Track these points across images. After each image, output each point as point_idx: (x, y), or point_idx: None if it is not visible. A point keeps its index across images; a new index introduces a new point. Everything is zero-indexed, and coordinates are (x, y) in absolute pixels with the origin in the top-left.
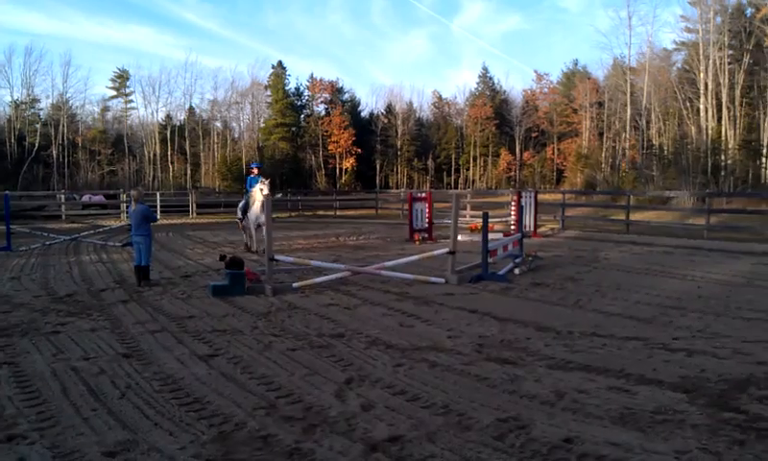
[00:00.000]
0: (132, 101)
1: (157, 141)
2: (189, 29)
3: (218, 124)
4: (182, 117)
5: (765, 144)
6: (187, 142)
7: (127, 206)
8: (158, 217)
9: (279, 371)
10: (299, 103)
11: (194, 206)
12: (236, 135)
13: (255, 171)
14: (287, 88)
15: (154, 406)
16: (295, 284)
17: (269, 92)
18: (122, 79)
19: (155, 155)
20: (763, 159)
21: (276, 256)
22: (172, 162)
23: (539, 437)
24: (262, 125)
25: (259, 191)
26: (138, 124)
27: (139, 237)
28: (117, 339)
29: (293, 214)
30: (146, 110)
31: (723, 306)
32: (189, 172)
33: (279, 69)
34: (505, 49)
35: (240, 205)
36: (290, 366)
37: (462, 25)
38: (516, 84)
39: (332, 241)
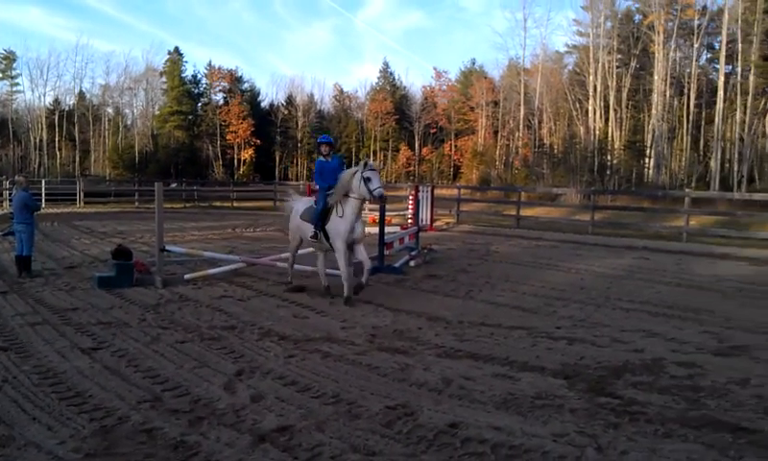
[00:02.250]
0: (18, 84)
1: (44, 127)
2: (81, 10)
3: (110, 110)
4: (72, 102)
5: (649, 145)
6: (76, 128)
7: (10, 194)
8: (42, 205)
9: (167, 364)
10: (196, 91)
11: (82, 194)
12: (129, 122)
13: (325, 149)
14: (184, 76)
15: (32, 400)
16: (187, 276)
17: (164, 79)
18: (8, 60)
19: (41, 140)
20: (646, 160)
21: (168, 247)
22: (60, 149)
23: (425, 423)
24: (157, 112)
25: (361, 185)
26: (24, 108)
27: (20, 226)
28: None
29: (188, 205)
30: (33, 94)
31: (603, 298)
32: (78, 159)
33: (176, 55)
34: (406, 45)
35: (301, 206)
36: (178, 358)
37: (364, 19)
38: (416, 80)
39: (228, 233)
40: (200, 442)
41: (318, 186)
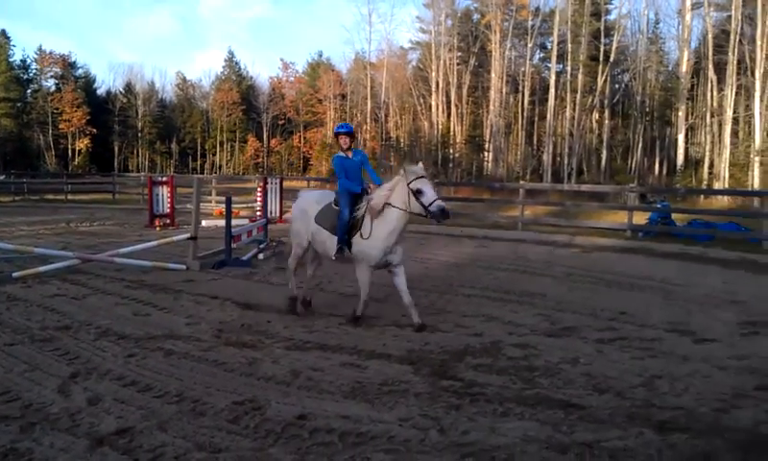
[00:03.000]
0: None
1: None
2: None
3: None
4: None
5: (487, 139)
6: None
7: None
8: None
9: None
10: (25, 77)
11: None
12: None
13: (345, 140)
14: (11, 60)
15: None
16: (15, 274)
17: None
18: None
19: None
20: (486, 153)
21: None
22: None
23: (273, 416)
24: None
25: (411, 200)
26: None
27: None
28: None
29: (17, 198)
30: None
31: (447, 285)
32: None
33: (3, 39)
34: (252, 35)
35: (313, 203)
36: (7, 362)
37: (208, 6)
38: (262, 71)
39: (62, 227)
40: (32, 448)
41: (340, 187)
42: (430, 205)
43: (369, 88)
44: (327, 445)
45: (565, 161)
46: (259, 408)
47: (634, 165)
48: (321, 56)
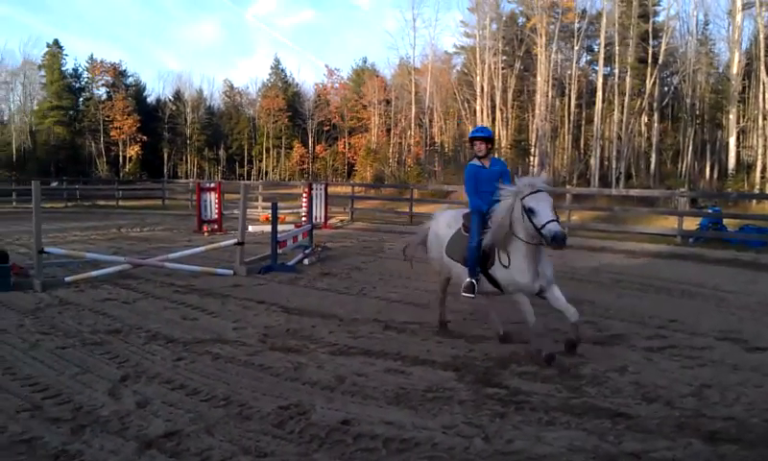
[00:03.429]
0: None
1: None
2: None
3: None
4: None
5: (533, 144)
6: None
7: None
8: None
9: (47, 370)
10: (77, 85)
11: None
12: (5, 118)
13: (481, 147)
14: (64, 69)
15: None
16: (68, 278)
17: (43, 73)
18: None
19: None
20: (531, 158)
21: (47, 249)
22: None
23: (318, 421)
24: (36, 108)
25: (524, 219)
26: None
27: None
28: None
29: (69, 204)
30: None
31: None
32: None
33: (56, 48)
34: (298, 42)
35: (444, 227)
36: (59, 365)
37: (255, 14)
38: (308, 77)
39: (113, 233)
40: (82, 451)
41: (470, 206)
42: (542, 227)
43: (413, 94)
44: (371, 451)
45: (613, 165)
46: (304, 413)
47: (684, 169)
48: (365, 62)
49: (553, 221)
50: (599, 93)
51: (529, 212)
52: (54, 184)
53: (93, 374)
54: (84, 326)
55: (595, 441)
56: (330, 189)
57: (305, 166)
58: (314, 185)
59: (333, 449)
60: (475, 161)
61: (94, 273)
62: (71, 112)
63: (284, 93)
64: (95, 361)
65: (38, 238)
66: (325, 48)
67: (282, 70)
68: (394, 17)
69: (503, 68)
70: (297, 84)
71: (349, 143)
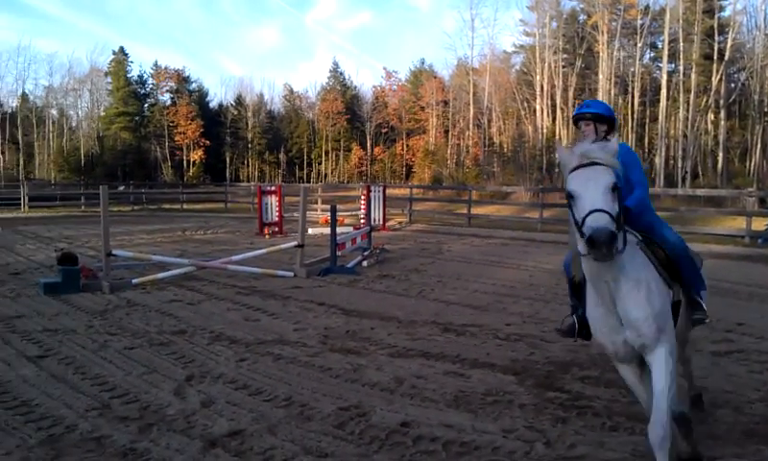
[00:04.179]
0: None
1: None
2: (22, 9)
3: (54, 112)
4: (15, 104)
5: None
6: (20, 131)
7: None
8: None
9: (115, 370)
10: (142, 91)
11: (26, 198)
12: (74, 124)
13: (589, 129)
14: (129, 76)
15: None
16: (135, 280)
17: (109, 79)
18: None
19: None
20: None
21: (115, 252)
22: (3, 152)
23: (377, 423)
24: (103, 114)
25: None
26: None
27: None
28: None
29: (136, 208)
30: None
31: (552, 294)
32: (22, 163)
33: (121, 55)
34: (356, 45)
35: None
36: (127, 365)
37: (314, 18)
38: (366, 80)
39: (178, 236)
40: (149, 449)
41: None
42: (582, 223)
43: (471, 94)
44: (431, 454)
45: (679, 165)
46: (364, 414)
47: (752, 168)
48: (423, 63)
49: (596, 212)
50: (663, 91)
51: (570, 200)
52: (121, 188)
53: (159, 373)
54: (150, 326)
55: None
56: (388, 191)
57: (364, 168)
58: (372, 188)
59: (393, 451)
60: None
61: (160, 275)
62: (137, 118)
63: (343, 96)
64: (161, 361)
65: (107, 241)
66: (383, 50)
67: (341, 73)
68: (452, 18)
69: (564, 66)
70: (355, 87)
71: (407, 145)
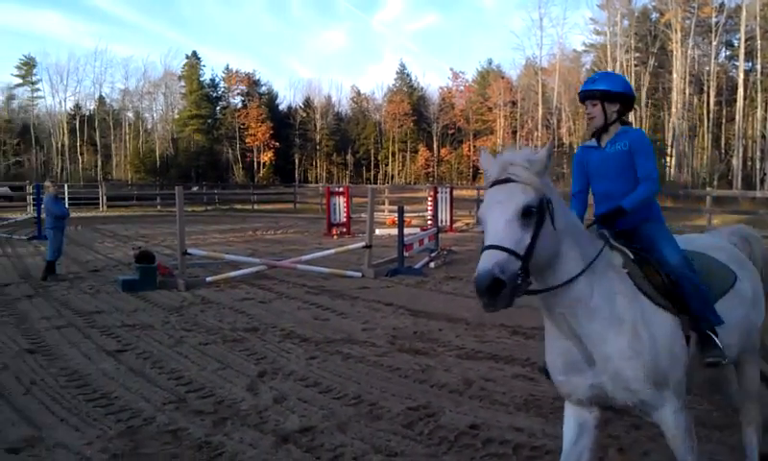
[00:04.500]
0: (38, 89)
1: (66, 131)
2: (99, 15)
3: (130, 114)
4: (92, 107)
5: (669, 144)
6: (97, 133)
7: (34, 199)
8: (68, 211)
9: (191, 365)
10: (214, 94)
11: (104, 198)
12: (149, 127)
13: (596, 110)
14: (202, 79)
15: (59, 402)
16: (209, 278)
17: (183, 83)
18: (28, 66)
19: (63, 145)
20: (668, 158)
21: (190, 250)
22: (81, 153)
23: (447, 424)
24: (176, 116)
25: None
26: (46, 113)
27: (47, 231)
28: (21, 334)
29: (209, 208)
30: (54, 99)
31: None
32: (100, 164)
33: (194, 59)
34: (423, 46)
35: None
36: (202, 360)
37: (381, 21)
38: (432, 81)
39: (249, 235)
40: (224, 442)
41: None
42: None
43: (540, 94)
44: (501, 456)
45: (758, 166)
46: (433, 415)
47: None
48: (490, 63)
49: (489, 249)
50: (740, 90)
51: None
52: (194, 189)
53: (233, 369)
54: (224, 323)
55: (739, 457)
56: (455, 193)
57: (430, 170)
58: (439, 189)
59: (462, 453)
60: (589, 142)
61: (233, 273)
62: (209, 121)
63: (409, 97)
64: (234, 357)
65: (182, 240)
66: (450, 51)
67: (407, 74)
68: (519, 17)
69: (636, 66)
70: (422, 88)
71: (474, 146)
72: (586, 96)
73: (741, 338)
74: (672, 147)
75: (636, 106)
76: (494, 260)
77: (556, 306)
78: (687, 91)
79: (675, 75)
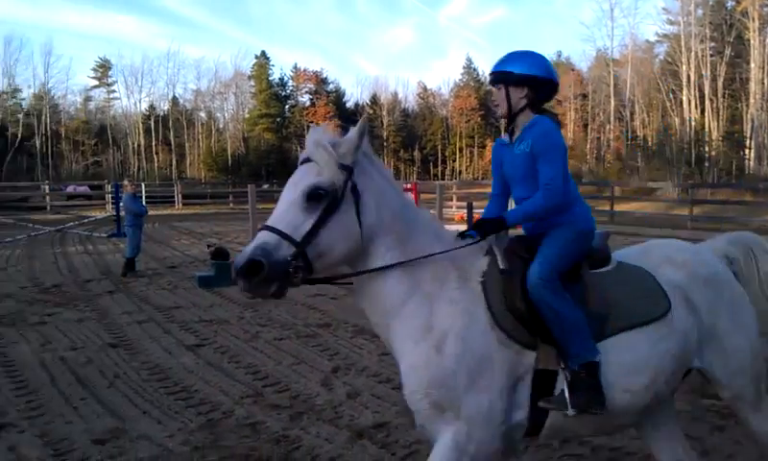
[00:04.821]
0: (114, 91)
1: (141, 132)
2: (171, 17)
3: (202, 114)
4: (166, 107)
5: (748, 136)
6: (171, 133)
7: (112, 197)
8: (146, 209)
9: (266, 360)
10: (283, 93)
11: (180, 196)
12: (221, 126)
13: (500, 95)
14: (271, 79)
15: (142, 395)
16: None
17: (252, 83)
18: (104, 68)
19: (139, 145)
20: (747, 151)
21: None
22: (156, 153)
23: None
24: (247, 115)
25: None
26: (122, 114)
27: (126, 229)
28: (104, 329)
29: None
30: (129, 100)
31: None
32: (174, 163)
33: (263, 59)
34: (490, 40)
35: None
36: (277, 355)
37: (447, 16)
38: None
39: None
40: (300, 436)
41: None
42: None
43: (612, 86)
44: (579, 457)
45: None
46: None
47: None
48: (559, 56)
49: (262, 230)
50: None
51: None
52: (265, 187)
53: (307, 364)
54: (297, 319)
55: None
56: None
57: None
58: None
59: (539, 453)
60: (503, 136)
61: None
62: (278, 119)
63: (476, 92)
64: (308, 352)
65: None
66: (518, 44)
67: (474, 69)
68: (589, 8)
69: (711, 55)
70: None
71: None
72: (490, 79)
73: (663, 380)
74: (751, 139)
75: (712, 97)
76: (260, 242)
77: (360, 300)
78: (766, 81)
79: (753, 64)
